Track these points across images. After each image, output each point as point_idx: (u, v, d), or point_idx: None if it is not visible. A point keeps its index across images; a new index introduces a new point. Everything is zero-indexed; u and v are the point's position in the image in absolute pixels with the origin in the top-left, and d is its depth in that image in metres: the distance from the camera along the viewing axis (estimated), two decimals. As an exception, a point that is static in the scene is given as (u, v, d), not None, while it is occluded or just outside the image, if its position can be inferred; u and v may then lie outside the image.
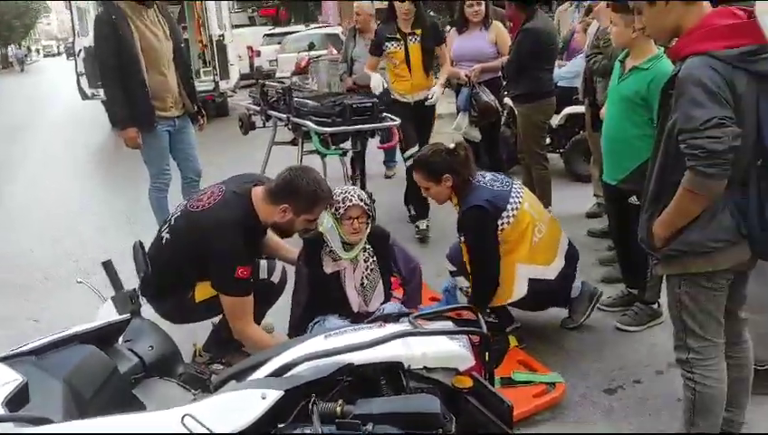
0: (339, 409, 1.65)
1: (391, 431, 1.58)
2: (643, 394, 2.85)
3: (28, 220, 6.24)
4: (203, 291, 2.87)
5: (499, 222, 3.10)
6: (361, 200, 2.96)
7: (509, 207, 3.12)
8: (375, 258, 3.06)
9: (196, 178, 4.74)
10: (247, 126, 5.51)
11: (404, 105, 5.06)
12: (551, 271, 3.20)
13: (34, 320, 3.74)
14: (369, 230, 3.01)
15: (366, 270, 3.03)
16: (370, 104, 4.58)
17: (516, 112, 5.18)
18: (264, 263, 3.06)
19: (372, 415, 1.62)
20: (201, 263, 2.78)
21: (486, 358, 2.14)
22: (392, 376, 1.90)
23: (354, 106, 4.51)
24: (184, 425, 1.54)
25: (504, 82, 5.40)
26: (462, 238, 3.21)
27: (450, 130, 5.58)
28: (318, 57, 10.94)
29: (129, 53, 4.23)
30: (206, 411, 1.60)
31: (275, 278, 3.03)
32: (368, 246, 3.04)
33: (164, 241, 2.91)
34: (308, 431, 1.56)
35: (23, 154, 9.79)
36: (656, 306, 3.41)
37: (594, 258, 4.26)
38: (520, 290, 3.15)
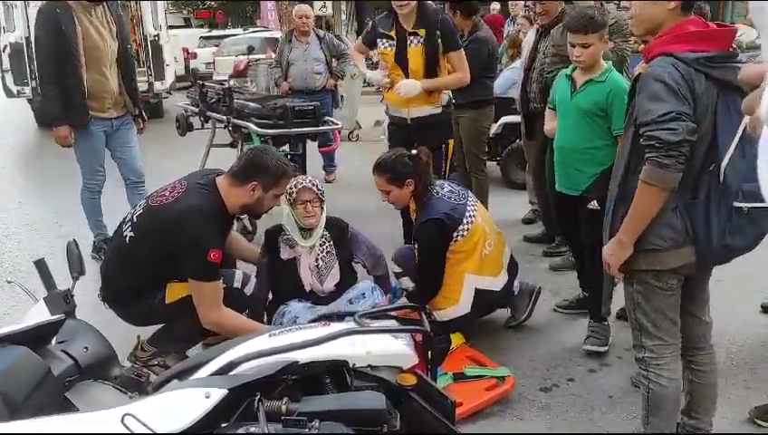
0: (284, 407, 1.64)
1: (337, 428, 1.59)
2: (577, 392, 2.95)
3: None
4: (174, 292, 2.85)
5: (454, 234, 3.19)
6: (312, 184, 3.13)
7: (464, 220, 3.23)
8: (332, 243, 3.17)
9: (137, 179, 4.62)
10: (185, 127, 5.42)
11: (398, 122, 4.21)
12: (497, 283, 3.32)
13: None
14: (324, 216, 3.15)
15: (322, 253, 3.14)
16: (312, 107, 4.59)
17: (459, 120, 5.22)
18: (239, 274, 3.05)
19: (318, 412, 1.62)
20: (171, 256, 2.76)
21: (429, 356, 2.19)
22: (337, 374, 1.91)
23: (296, 109, 4.51)
24: (124, 425, 1.50)
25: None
26: (416, 246, 3.29)
27: (381, 136, 5.62)
28: (257, 61, 10.85)
29: (68, 49, 4.10)
30: (147, 411, 1.57)
31: (248, 290, 3.00)
32: (325, 232, 3.17)
33: (128, 239, 2.87)
34: (253, 430, 1.54)
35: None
36: (606, 323, 3.39)
37: (528, 263, 4.39)
38: (467, 297, 3.24)
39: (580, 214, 3.31)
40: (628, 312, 2.35)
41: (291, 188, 3.07)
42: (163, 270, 2.84)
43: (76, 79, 4.15)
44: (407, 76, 3.98)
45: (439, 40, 3.92)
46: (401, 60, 3.97)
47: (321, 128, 4.69)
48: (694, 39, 2.08)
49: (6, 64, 10.30)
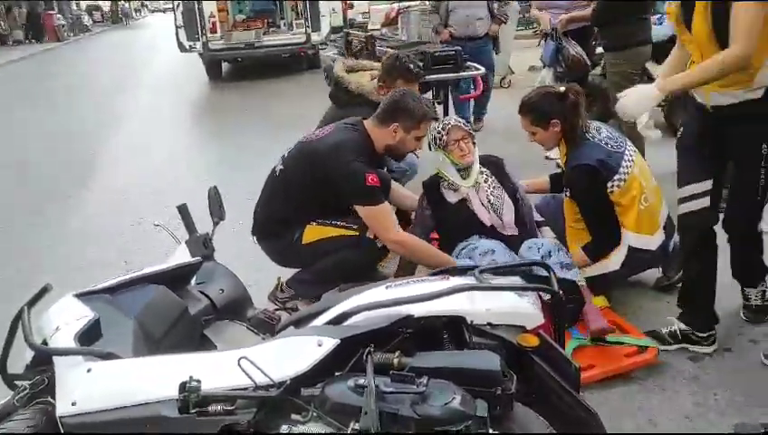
0: (396, 360, 1.61)
1: (446, 387, 1.54)
2: (734, 365, 2.63)
3: (125, 167, 6.55)
4: (311, 233, 3.02)
5: (609, 184, 2.95)
6: (459, 122, 3.12)
7: (621, 170, 2.96)
8: (494, 178, 3.13)
9: None
10: (332, 77, 5.48)
11: (697, 107, 2.62)
12: (653, 242, 3.03)
13: (125, 261, 3.94)
14: (477, 152, 3.10)
15: (489, 188, 3.09)
16: (453, 53, 4.45)
17: (606, 64, 4.83)
18: None
19: (429, 369, 1.58)
20: (319, 187, 2.92)
21: (557, 317, 2.05)
22: (455, 330, 1.85)
23: (436, 55, 4.39)
24: (240, 367, 1.55)
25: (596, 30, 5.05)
26: (567, 193, 3.09)
27: (536, 85, 5.30)
28: (408, 8, 10.72)
29: None
30: (262, 355, 1.62)
31: (379, 243, 3.04)
32: (484, 170, 3.12)
33: (277, 173, 3.10)
34: (361, 381, 1.54)
35: (127, 104, 10.26)
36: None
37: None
38: (619, 255, 3.01)
39: None
40: None
41: (440, 132, 3.07)
42: (309, 199, 2.99)
43: None
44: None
45: None
46: (687, 16, 2.47)
47: (461, 73, 4.53)
48: None
49: (180, 21, 11.09)
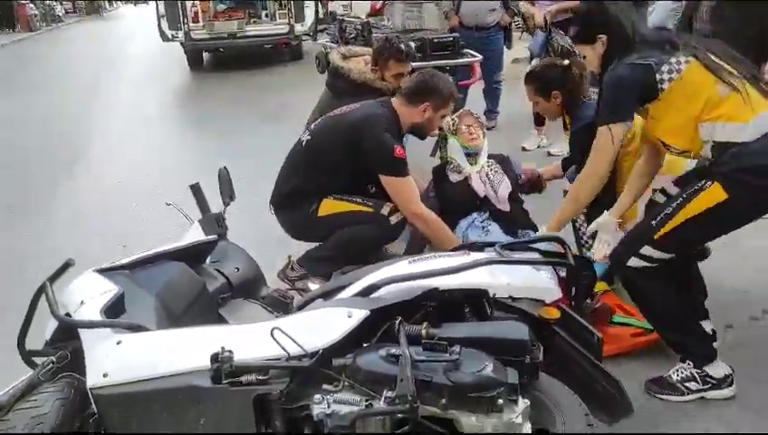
0: (424, 331, 1.63)
1: (479, 356, 1.56)
2: (735, 340, 2.69)
3: (116, 155, 6.46)
4: (327, 206, 3.03)
5: None
6: (471, 112, 3.36)
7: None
8: (498, 165, 3.26)
9: None
10: (324, 64, 5.42)
11: None
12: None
13: (123, 245, 3.88)
14: (486, 141, 3.26)
15: (490, 171, 3.22)
16: (451, 39, 4.47)
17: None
18: (388, 204, 3.09)
19: (459, 339, 1.60)
20: (349, 157, 2.96)
21: (573, 291, 2.09)
22: (476, 304, 1.87)
23: (434, 41, 4.41)
24: (273, 338, 1.56)
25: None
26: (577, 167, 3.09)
27: (521, 73, 5.33)
28: (393, -2, 10.70)
29: None
30: (294, 326, 1.62)
31: (393, 220, 3.07)
32: (490, 160, 3.27)
33: (304, 143, 3.11)
34: (394, 351, 1.55)
35: (108, 97, 10.12)
36: None
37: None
38: (639, 214, 2.97)
39: None
40: None
41: (453, 118, 3.25)
42: (330, 175, 3.02)
43: None
44: None
45: None
46: None
47: (458, 60, 4.54)
48: None
49: (162, 10, 10.94)
